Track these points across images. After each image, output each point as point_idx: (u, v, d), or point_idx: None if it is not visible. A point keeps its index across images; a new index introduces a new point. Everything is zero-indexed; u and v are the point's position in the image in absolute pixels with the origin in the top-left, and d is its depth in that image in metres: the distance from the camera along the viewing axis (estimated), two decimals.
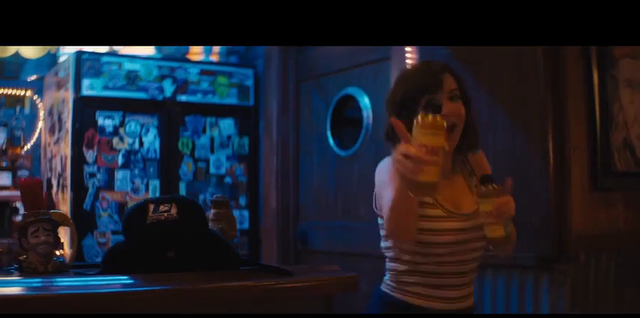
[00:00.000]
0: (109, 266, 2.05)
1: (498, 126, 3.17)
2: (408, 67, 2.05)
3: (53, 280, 2.00)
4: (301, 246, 4.70)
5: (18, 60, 4.68)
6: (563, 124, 3.04)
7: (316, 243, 4.63)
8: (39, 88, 4.99)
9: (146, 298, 1.81)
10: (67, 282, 1.98)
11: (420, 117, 1.55)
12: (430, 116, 1.54)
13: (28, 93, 4.95)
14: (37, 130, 4.95)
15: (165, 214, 1.95)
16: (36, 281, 1.98)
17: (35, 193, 2.24)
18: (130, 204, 4.30)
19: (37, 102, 4.94)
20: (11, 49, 4.17)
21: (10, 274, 2.16)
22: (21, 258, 2.17)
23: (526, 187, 2.96)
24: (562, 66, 3.10)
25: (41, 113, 4.94)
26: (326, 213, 4.63)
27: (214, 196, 2.48)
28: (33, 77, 5.00)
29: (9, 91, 4.86)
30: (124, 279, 1.98)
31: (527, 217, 2.92)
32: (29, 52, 4.18)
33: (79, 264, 2.60)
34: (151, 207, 1.98)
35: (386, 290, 2.11)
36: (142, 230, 1.99)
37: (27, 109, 4.95)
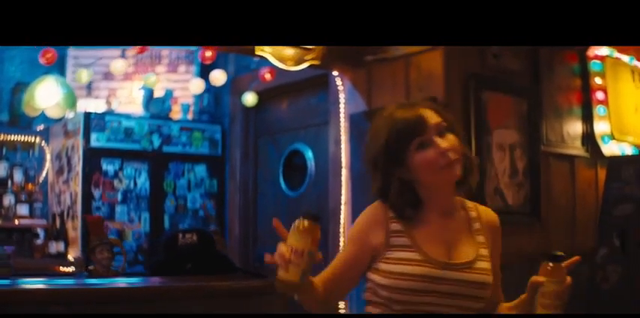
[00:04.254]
0: (150, 272, 3.12)
1: None
2: (378, 120, 1.69)
3: (114, 280, 3.02)
4: (259, 265, 5.08)
5: None
6: None
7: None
8: (46, 136, 5.55)
9: (171, 290, 2.75)
10: (124, 281, 2.98)
11: (296, 221, 1.51)
12: (304, 222, 1.50)
13: (37, 139, 5.52)
14: (45, 170, 5.52)
15: (189, 240, 2.99)
16: (103, 281, 2.98)
17: (99, 225, 3.31)
18: (127, 231, 4.96)
19: (44, 147, 5.56)
20: (39, 110, 4.81)
21: (83, 277, 3.21)
22: (90, 267, 3.24)
23: None
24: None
25: (48, 156, 5.52)
26: (278, 240, 5.07)
27: (212, 228, 3.49)
28: (41, 127, 5.55)
29: (23, 138, 5.46)
30: (159, 280, 2.98)
31: None
32: (54, 112, 4.83)
33: (126, 272, 3.59)
34: (180, 235, 3.02)
35: None
36: (174, 250, 3.05)
37: (36, 153, 5.47)
